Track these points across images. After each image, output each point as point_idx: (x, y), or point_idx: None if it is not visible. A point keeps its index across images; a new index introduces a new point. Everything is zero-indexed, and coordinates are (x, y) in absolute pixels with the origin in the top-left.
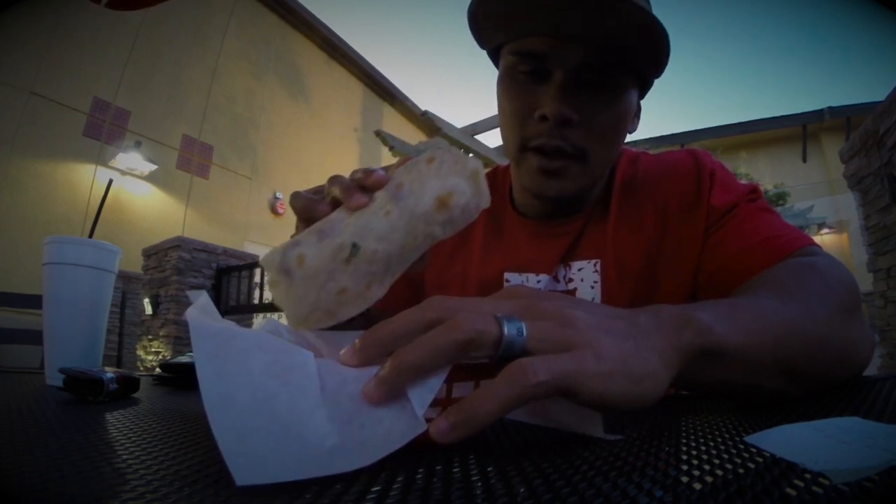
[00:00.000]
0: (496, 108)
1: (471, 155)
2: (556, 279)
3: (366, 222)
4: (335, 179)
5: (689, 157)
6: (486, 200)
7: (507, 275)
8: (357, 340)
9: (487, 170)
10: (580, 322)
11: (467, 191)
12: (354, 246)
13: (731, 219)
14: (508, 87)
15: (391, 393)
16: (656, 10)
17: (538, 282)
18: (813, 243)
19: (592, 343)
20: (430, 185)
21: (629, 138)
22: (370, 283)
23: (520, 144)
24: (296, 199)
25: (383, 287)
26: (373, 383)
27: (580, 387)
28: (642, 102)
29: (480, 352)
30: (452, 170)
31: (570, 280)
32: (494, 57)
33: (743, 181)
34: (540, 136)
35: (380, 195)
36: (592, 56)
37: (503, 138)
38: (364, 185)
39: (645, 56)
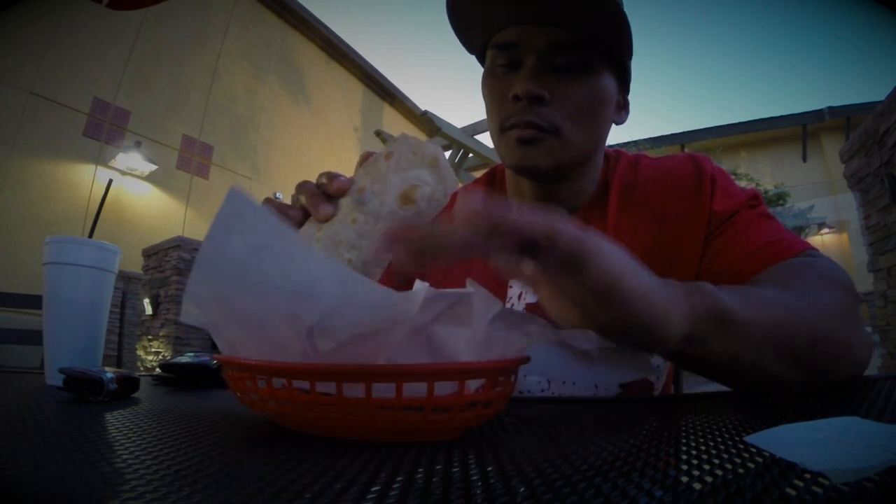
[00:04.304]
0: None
1: (428, 141)
2: None
3: (334, 234)
4: (302, 186)
5: (690, 161)
6: (452, 183)
7: (511, 281)
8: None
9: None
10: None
11: (430, 180)
12: None
13: (732, 225)
14: (488, 80)
15: (403, 249)
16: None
17: None
18: (813, 248)
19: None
20: (391, 182)
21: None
22: None
23: (499, 127)
24: (267, 205)
25: None
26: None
27: (598, 259)
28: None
29: (510, 238)
30: (411, 161)
31: None
32: (483, 60)
33: (743, 182)
34: (514, 115)
35: (345, 202)
36: (559, 36)
37: (489, 129)
38: (328, 193)
39: (608, 33)
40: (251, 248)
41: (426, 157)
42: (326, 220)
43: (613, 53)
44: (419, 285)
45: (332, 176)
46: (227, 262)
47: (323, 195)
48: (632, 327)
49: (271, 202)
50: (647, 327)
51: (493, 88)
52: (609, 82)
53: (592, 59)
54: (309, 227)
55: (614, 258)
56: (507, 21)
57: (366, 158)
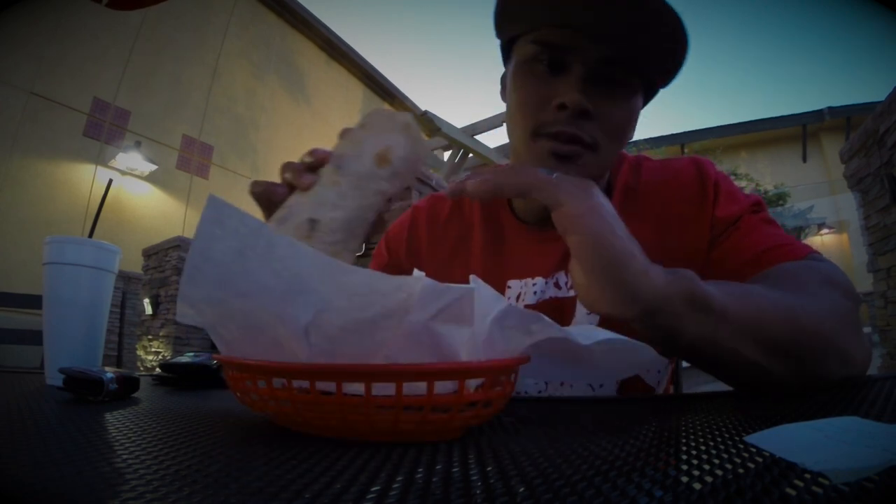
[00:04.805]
0: (496, 107)
1: (400, 112)
2: (557, 286)
3: (318, 197)
4: (286, 165)
5: (693, 165)
6: (423, 146)
7: (509, 282)
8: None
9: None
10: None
11: (402, 142)
12: (312, 220)
13: (735, 230)
14: (525, 77)
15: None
16: None
17: (534, 284)
18: (817, 253)
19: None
20: (367, 146)
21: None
22: (337, 252)
23: (533, 131)
24: (255, 185)
25: (351, 253)
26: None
27: (568, 201)
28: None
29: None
30: (385, 127)
31: (572, 287)
32: (506, 50)
33: (742, 182)
34: (556, 124)
35: (325, 170)
36: (614, 52)
37: (513, 128)
38: (310, 166)
39: (662, 60)
40: (236, 251)
41: (398, 123)
42: (309, 188)
43: (655, 77)
44: (417, 274)
45: (312, 151)
46: (215, 267)
47: (305, 168)
48: (598, 255)
49: (258, 182)
50: (614, 257)
51: (530, 89)
52: (640, 102)
53: (634, 78)
54: (295, 197)
55: (583, 204)
56: (562, 21)
57: (344, 134)
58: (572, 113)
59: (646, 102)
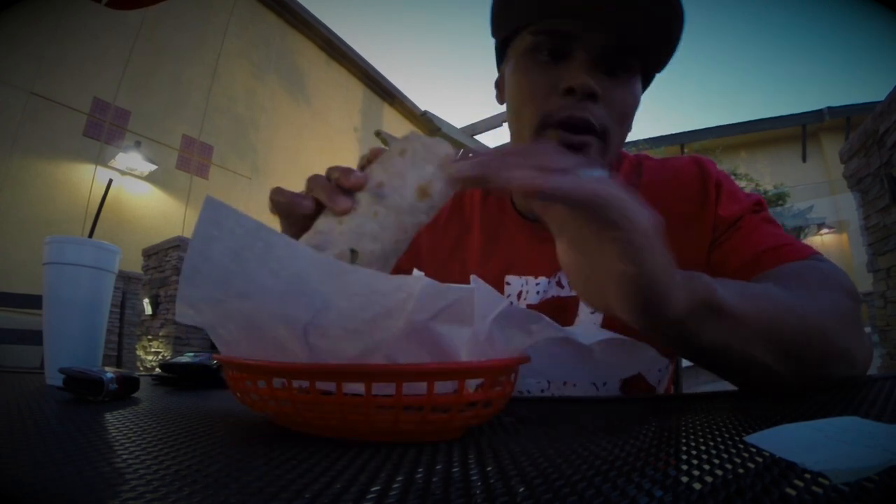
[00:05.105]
0: (496, 107)
1: (438, 139)
2: (559, 284)
3: (357, 227)
4: (315, 180)
5: (694, 165)
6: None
7: (507, 277)
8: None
9: None
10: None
11: (441, 174)
12: (353, 252)
13: (737, 231)
14: (526, 68)
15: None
16: None
17: (537, 284)
18: (818, 253)
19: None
20: (409, 177)
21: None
22: None
23: (540, 122)
24: (279, 194)
25: None
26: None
27: (636, 221)
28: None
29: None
30: (425, 158)
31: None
32: (501, 49)
33: (742, 182)
34: (565, 109)
35: (363, 196)
36: (616, 40)
37: (516, 121)
38: (344, 187)
39: (661, 40)
40: (233, 252)
41: (439, 156)
42: (345, 213)
43: (651, 63)
44: (417, 274)
45: (346, 171)
46: (213, 268)
47: (339, 189)
48: (646, 289)
49: (282, 192)
50: (659, 293)
51: (533, 78)
52: (640, 86)
53: (633, 60)
54: (326, 221)
55: (649, 224)
56: (562, 10)
57: (375, 155)
58: (580, 96)
59: (643, 89)
